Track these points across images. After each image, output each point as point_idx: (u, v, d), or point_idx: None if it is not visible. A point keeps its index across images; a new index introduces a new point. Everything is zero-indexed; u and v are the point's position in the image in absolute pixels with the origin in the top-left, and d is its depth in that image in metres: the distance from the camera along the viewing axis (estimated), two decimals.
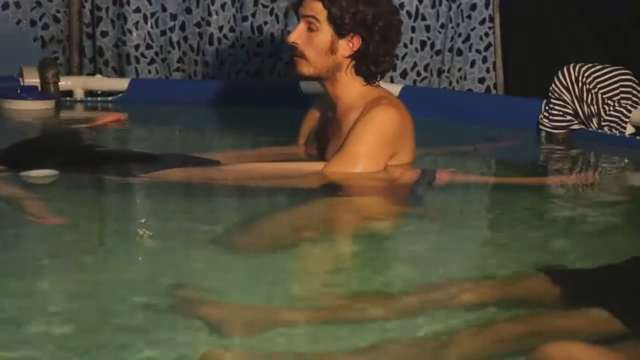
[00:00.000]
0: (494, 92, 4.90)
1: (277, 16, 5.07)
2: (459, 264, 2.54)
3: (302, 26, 3.16)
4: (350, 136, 3.12)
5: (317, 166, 3.16)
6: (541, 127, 4.19)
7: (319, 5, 3.13)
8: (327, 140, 3.26)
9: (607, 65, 4.15)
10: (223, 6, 5.10)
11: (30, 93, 4.67)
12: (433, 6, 4.91)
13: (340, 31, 3.14)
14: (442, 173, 3.21)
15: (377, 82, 3.24)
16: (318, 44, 3.15)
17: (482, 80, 4.93)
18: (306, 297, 2.30)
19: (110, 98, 4.93)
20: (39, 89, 4.76)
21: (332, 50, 3.16)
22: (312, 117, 3.43)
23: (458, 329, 2.04)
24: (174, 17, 5.13)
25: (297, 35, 3.16)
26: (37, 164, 3.03)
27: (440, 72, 4.95)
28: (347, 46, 3.16)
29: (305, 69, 3.18)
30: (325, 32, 3.15)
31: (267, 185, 3.13)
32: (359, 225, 2.90)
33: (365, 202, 3.08)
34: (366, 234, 2.81)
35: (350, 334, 2.04)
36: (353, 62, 3.19)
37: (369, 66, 3.19)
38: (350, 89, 3.21)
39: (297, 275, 2.48)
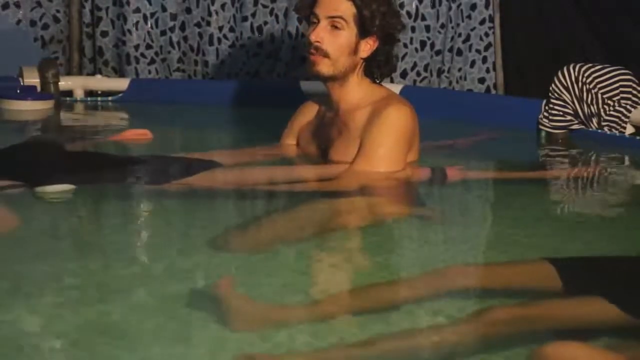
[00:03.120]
0: (494, 92, 4.90)
1: (277, 16, 5.07)
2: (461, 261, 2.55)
3: (324, 25, 3.15)
4: (367, 138, 3.12)
5: (339, 168, 3.16)
6: (541, 127, 4.19)
7: (347, 5, 3.14)
8: (328, 140, 3.26)
9: (607, 65, 4.15)
10: (223, 6, 5.10)
11: (30, 93, 4.68)
12: (433, 6, 4.91)
13: (364, 32, 3.15)
14: (453, 171, 3.23)
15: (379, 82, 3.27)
16: (342, 44, 3.16)
17: (482, 80, 4.93)
18: (307, 296, 2.31)
19: (110, 98, 4.93)
20: (39, 89, 4.77)
21: (354, 50, 3.17)
22: (305, 117, 3.42)
23: (457, 317, 2.06)
24: (174, 17, 5.14)
25: (323, 34, 3.15)
26: (53, 178, 2.90)
27: (440, 72, 4.95)
28: (366, 47, 3.18)
29: (325, 68, 3.17)
30: (351, 32, 3.15)
31: (293, 189, 3.11)
32: (362, 225, 2.90)
33: (370, 202, 3.08)
34: (369, 233, 2.82)
35: (349, 327, 2.04)
36: (364, 64, 3.20)
37: (380, 68, 3.21)
38: (356, 89, 3.22)
39: (298, 274, 2.48)
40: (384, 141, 3.12)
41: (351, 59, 3.18)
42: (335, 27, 3.15)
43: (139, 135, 3.90)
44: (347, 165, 3.15)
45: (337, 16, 3.14)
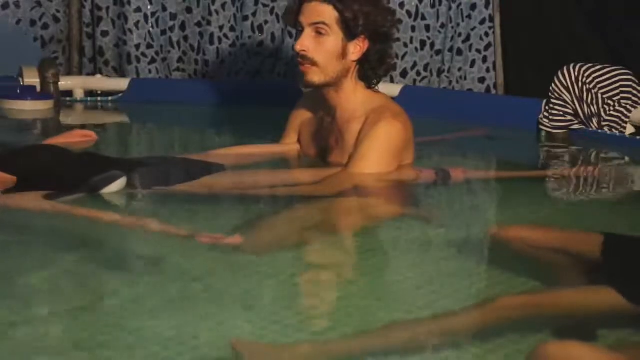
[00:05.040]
0: (494, 92, 4.90)
1: (277, 15, 5.07)
2: (460, 261, 2.55)
3: (309, 33, 3.12)
4: (356, 152, 3.10)
5: (328, 173, 3.15)
6: (541, 127, 4.20)
7: (328, 9, 3.10)
8: (327, 148, 3.25)
9: (607, 65, 4.15)
10: (224, 5, 5.10)
11: (30, 93, 4.67)
12: (433, 6, 4.91)
13: (351, 34, 3.11)
14: (457, 172, 3.23)
15: (376, 87, 3.24)
16: (329, 50, 3.12)
17: (482, 80, 4.93)
18: (306, 297, 2.32)
19: (110, 98, 4.93)
20: (39, 89, 4.76)
21: (343, 54, 3.13)
22: (303, 117, 3.39)
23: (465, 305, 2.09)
24: (174, 16, 5.14)
25: (307, 42, 3.12)
26: (108, 178, 2.92)
27: (440, 72, 4.95)
28: (356, 49, 3.14)
29: (316, 76, 3.14)
30: (336, 37, 3.12)
31: (282, 193, 3.10)
32: (363, 226, 2.90)
33: (370, 203, 3.08)
34: (368, 234, 2.82)
35: (356, 320, 2.05)
36: (357, 67, 3.18)
37: (375, 69, 3.18)
38: (352, 95, 3.18)
39: (299, 275, 2.48)
40: (371, 155, 3.08)
41: (341, 64, 3.14)
42: (319, 33, 3.11)
43: (82, 137, 3.79)
44: (336, 171, 3.14)
45: (320, 22, 3.10)
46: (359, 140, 3.11)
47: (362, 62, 3.17)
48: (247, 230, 2.68)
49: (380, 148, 3.09)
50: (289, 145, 3.43)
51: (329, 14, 3.10)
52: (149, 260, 2.49)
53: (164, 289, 2.27)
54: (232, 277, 2.37)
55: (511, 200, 3.22)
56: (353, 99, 3.19)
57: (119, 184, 2.93)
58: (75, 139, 3.73)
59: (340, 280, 2.46)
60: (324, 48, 3.12)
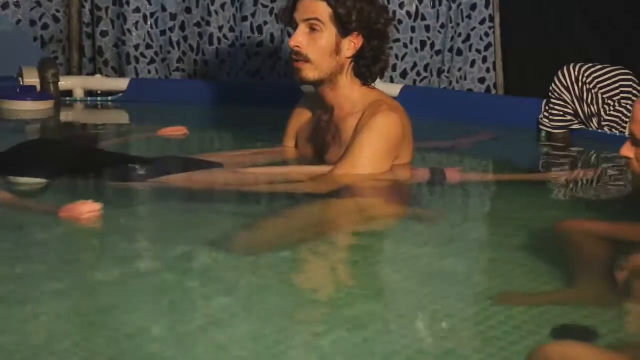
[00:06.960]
0: (494, 92, 4.90)
1: (277, 16, 5.07)
2: (460, 260, 2.55)
3: (303, 29, 3.13)
4: (353, 144, 3.10)
5: (322, 170, 3.15)
6: (541, 127, 4.20)
7: (322, 5, 3.10)
8: (324, 145, 3.25)
9: (607, 65, 4.15)
10: (223, 6, 5.10)
11: (30, 93, 4.67)
12: (433, 6, 4.91)
13: (345, 30, 3.11)
14: (452, 172, 3.22)
15: (373, 84, 3.24)
16: (323, 46, 3.12)
17: (482, 80, 4.92)
18: (304, 297, 2.32)
19: (110, 98, 4.94)
20: (39, 89, 4.76)
21: (337, 51, 3.14)
22: (301, 118, 3.40)
23: None
24: (173, 17, 5.14)
25: (301, 38, 3.12)
26: (26, 171, 2.99)
27: (440, 72, 4.95)
28: (350, 46, 3.15)
29: (310, 73, 3.14)
30: (330, 33, 3.12)
31: (271, 190, 3.10)
32: (362, 226, 2.90)
33: (369, 203, 3.08)
34: (367, 234, 2.82)
35: (356, 321, 2.04)
36: (353, 64, 3.17)
37: (370, 66, 3.17)
38: (348, 93, 3.18)
39: (298, 275, 2.48)
40: (368, 146, 3.08)
41: (335, 61, 3.14)
42: (313, 29, 3.12)
43: (175, 131, 4.01)
44: (330, 168, 3.13)
45: (313, 18, 3.11)
46: (356, 132, 3.11)
47: (357, 59, 3.17)
48: (243, 230, 2.68)
49: (377, 139, 3.09)
50: (289, 147, 3.43)
51: (323, 10, 3.11)
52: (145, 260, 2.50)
53: (161, 289, 2.27)
54: (229, 277, 2.37)
55: (509, 202, 3.22)
56: (350, 96, 3.19)
57: (28, 180, 3.00)
58: (168, 133, 3.97)
59: (339, 281, 2.46)
60: (318, 44, 3.12)
